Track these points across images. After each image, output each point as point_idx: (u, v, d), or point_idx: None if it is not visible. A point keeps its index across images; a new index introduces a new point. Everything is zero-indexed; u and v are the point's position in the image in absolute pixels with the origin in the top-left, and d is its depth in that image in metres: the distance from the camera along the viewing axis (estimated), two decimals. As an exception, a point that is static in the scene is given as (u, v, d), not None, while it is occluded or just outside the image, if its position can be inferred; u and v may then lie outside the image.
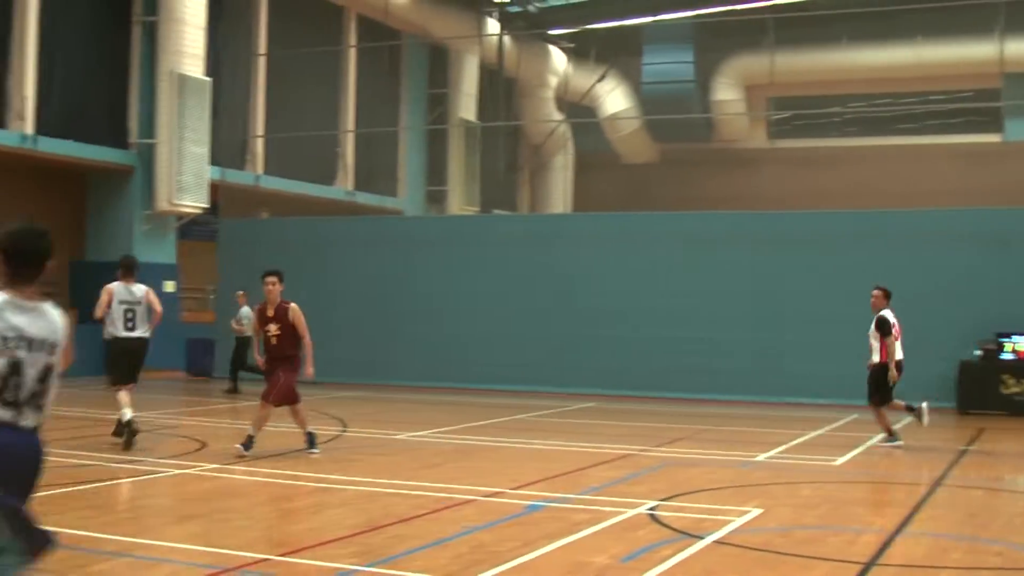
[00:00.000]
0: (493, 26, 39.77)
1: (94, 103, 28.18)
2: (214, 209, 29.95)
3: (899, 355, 15.85)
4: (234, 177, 31.41)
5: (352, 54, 36.98)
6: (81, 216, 29.33)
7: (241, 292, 24.22)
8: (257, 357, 14.48)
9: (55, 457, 13.33)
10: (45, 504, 10.33)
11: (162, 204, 28.27)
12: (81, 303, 25.72)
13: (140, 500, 11.31)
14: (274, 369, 14.11)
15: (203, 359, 28.03)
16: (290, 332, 13.97)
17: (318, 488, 11.53)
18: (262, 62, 33.43)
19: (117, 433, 14.86)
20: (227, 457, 13.51)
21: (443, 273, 26.08)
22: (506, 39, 39.81)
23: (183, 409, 21.37)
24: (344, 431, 16.94)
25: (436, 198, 40.24)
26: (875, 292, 16.12)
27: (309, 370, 14.09)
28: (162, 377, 25.38)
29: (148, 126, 28.55)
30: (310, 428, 14.44)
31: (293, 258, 27.03)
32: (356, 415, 19.36)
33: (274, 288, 14.12)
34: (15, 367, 5.42)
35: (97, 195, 29.22)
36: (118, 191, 28.80)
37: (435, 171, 40.45)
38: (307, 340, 14.07)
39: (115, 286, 15.10)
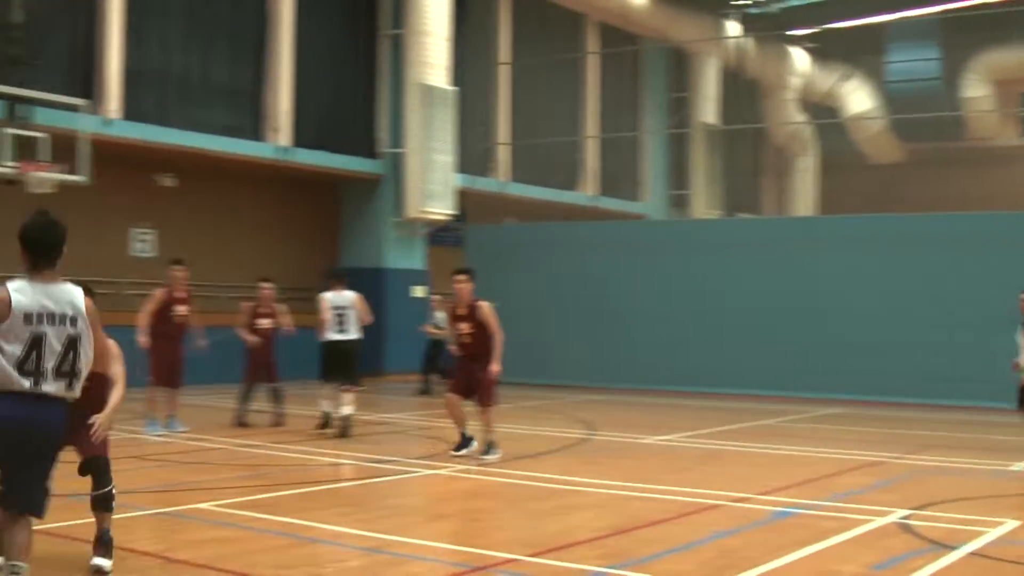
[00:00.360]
0: (733, 28, 39.48)
1: (345, 115, 29.13)
2: (462, 216, 30.52)
3: None
4: (480, 184, 31.95)
5: (593, 60, 37.18)
6: (335, 224, 30.34)
7: (436, 297, 25.12)
8: (452, 348, 14.62)
9: (311, 455, 13.93)
10: (304, 500, 10.82)
11: (411, 211, 28.98)
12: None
13: (394, 499, 11.63)
14: (471, 368, 14.12)
15: (452, 362, 28.60)
16: (482, 330, 14.01)
17: (567, 490, 11.67)
18: (505, 71, 33.93)
19: (321, 426, 16.76)
20: (476, 458, 13.80)
21: (686, 276, 25.97)
22: (747, 41, 39.47)
23: (433, 411, 21.84)
24: (592, 434, 17.09)
25: (679, 202, 40.10)
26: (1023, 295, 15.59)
27: (495, 366, 13.90)
28: (413, 380, 25.99)
29: (396, 136, 29.34)
30: (469, 433, 14.28)
31: (537, 262, 27.52)
32: (602, 418, 19.48)
33: (464, 287, 14.20)
34: (37, 341, 5.95)
35: (349, 203, 30.15)
36: (369, 199, 29.67)
37: (678, 175, 40.33)
38: (498, 337, 13.99)
39: (327, 295, 17.09)
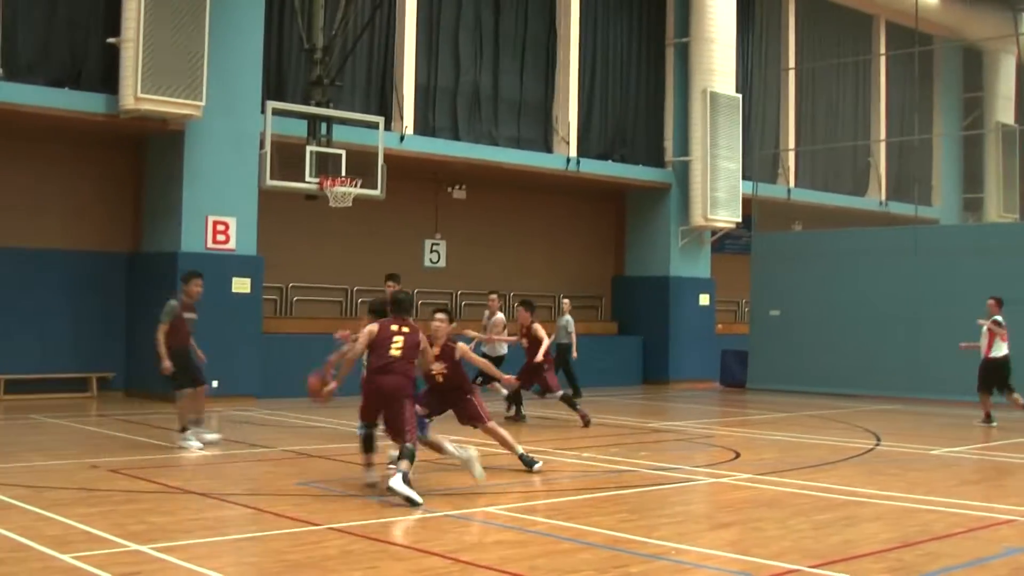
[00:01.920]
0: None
1: (632, 124, 29.38)
2: (747, 223, 30.34)
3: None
4: (766, 191, 31.69)
5: (882, 62, 36.38)
6: (620, 233, 30.62)
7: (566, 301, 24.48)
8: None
9: (597, 462, 14.13)
10: (587, 506, 11.01)
11: (697, 219, 29.00)
12: (621, 315, 26.87)
13: (677, 506, 11.68)
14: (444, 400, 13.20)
15: (737, 370, 28.48)
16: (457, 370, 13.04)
17: (851, 501, 11.50)
18: (791, 75, 33.57)
19: None
20: (760, 467, 13.73)
21: (980, 282, 24.99)
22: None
23: (718, 419, 21.82)
24: (878, 444, 16.76)
25: (973, 206, 38.82)
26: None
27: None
28: (698, 388, 26.01)
29: (682, 144, 29.41)
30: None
31: (824, 269, 27.06)
32: (890, 428, 19.05)
33: (441, 326, 12.95)
34: None
35: (635, 212, 30.37)
36: (655, 208, 29.81)
37: (971, 178, 39.06)
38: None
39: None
